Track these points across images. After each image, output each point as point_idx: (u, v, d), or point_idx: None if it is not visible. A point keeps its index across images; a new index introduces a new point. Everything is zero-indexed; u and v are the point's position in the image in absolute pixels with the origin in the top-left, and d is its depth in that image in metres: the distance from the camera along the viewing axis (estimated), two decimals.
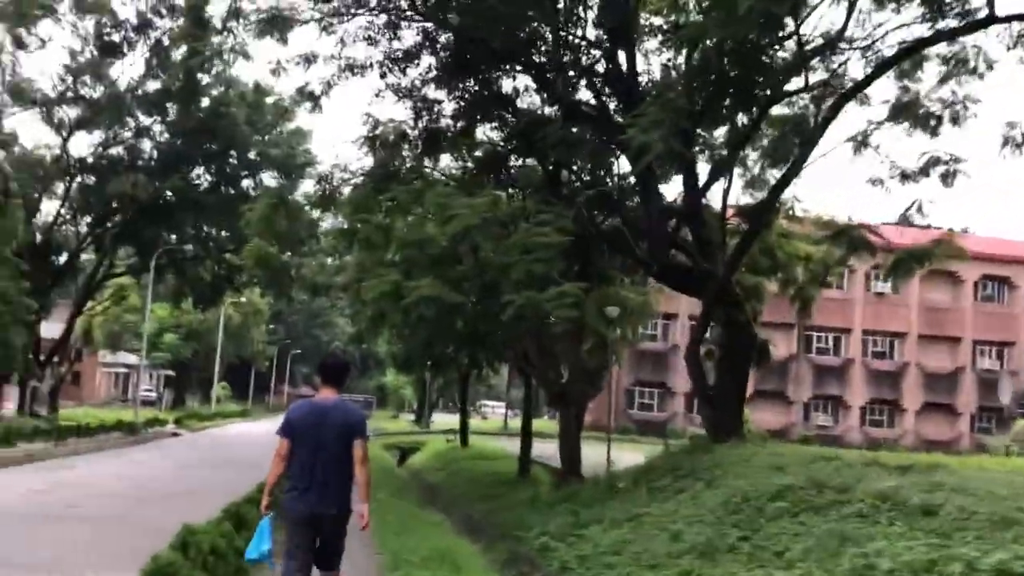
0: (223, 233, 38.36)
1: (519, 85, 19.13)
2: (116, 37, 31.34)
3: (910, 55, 14.33)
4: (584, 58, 17.97)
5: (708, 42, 14.23)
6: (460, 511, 18.21)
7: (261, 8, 16.06)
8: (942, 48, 14.63)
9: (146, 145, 35.60)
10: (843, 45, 14.80)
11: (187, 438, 36.11)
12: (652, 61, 18.05)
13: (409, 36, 18.38)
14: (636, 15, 16.44)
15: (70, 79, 31.79)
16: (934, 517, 8.15)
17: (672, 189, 21.92)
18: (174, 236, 37.83)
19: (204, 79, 33.48)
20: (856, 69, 15.85)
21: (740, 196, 19.24)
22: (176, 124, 34.41)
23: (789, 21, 13.58)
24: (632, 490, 13.55)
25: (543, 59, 17.85)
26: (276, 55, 21.72)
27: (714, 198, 18.05)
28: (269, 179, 36.39)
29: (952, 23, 13.33)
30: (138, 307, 47.36)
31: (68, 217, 35.89)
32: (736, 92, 14.93)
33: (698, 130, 16.16)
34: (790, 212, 19.06)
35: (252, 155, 36.45)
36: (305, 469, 5.84)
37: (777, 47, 14.78)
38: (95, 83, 32.15)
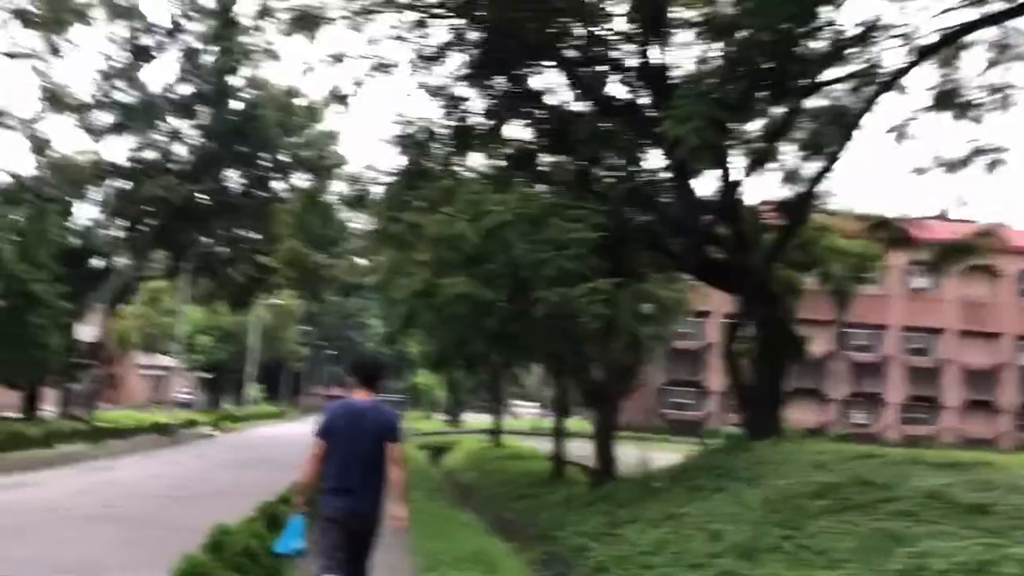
0: (255, 235, 38.58)
1: (549, 81, 18.97)
2: (148, 41, 31.59)
3: (953, 41, 13.96)
4: (615, 52, 17.74)
5: (741, 33, 14.02)
6: (494, 511, 18.07)
7: (290, 6, 16.01)
8: (987, 33, 14.24)
9: (179, 148, 35.84)
10: (881, 33, 14.47)
11: (222, 439, 36.37)
12: (684, 55, 17.81)
13: (438, 33, 18.28)
14: (668, 8, 16.20)
15: (104, 84, 32.08)
16: (986, 516, 7.88)
17: (706, 184, 21.64)
18: (207, 239, 38.12)
19: (235, 82, 33.70)
20: (895, 58, 15.50)
21: (776, 190, 18.94)
22: (208, 127, 34.65)
23: (825, 10, 13.30)
24: (669, 489, 13.34)
25: (574, 54, 17.65)
26: (305, 56, 21.76)
27: (749, 193, 17.80)
28: (300, 181, 36.55)
29: (999, 6, 12.94)
30: (173, 309, 47.82)
31: (104, 221, 36.25)
32: (771, 84, 14.66)
33: (732, 124, 15.89)
34: (827, 206, 18.72)
35: (283, 157, 36.60)
36: (341, 470, 5.81)
37: (812, 37, 14.49)
38: (128, 88, 32.41)
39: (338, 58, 17.75)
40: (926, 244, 17.53)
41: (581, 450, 24.34)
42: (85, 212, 35.52)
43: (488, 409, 46.51)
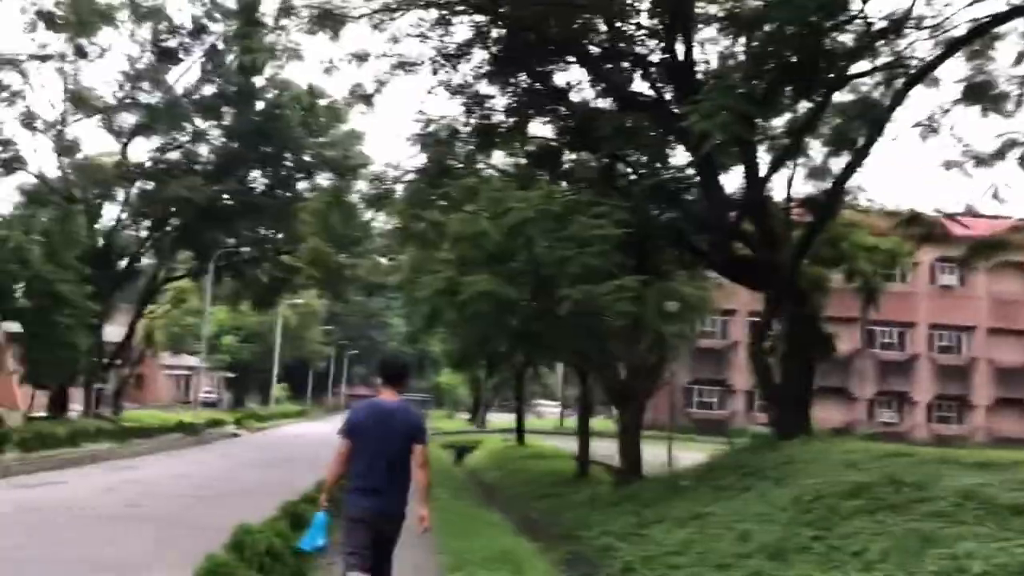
0: (279, 235, 38.74)
1: (572, 78, 18.86)
2: (172, 43, 31.77)
3: (984, 33, 13.69)
4: (639, 48, 17.59)
5: (767, 28, 13.83)
6: (518, 510, 17.98)
7: (312, 3, 16.00)
8: (1019, 24, 13.95)
9: (203, 149, 36.03)
10: (911, 25, 14.23)
11: (246, 438, 36.54)
12: (709, 50, 17.63)
13: (460, 31, 18.22)
14: (692, 3, 16.03)
15: (129, 86, 32.31)
16: None
17: (731, 181, 21.45)
18: (231, 239, 38.31)
19: (258, 82, 33.82)
20: (924, 50, 15.24)
21: (803, 186, 18.71)
22: (232, 128, 34.81)
23: (853, 2, 13.10)
24: (696, 489, 13.19)
25: (597, 50, 17.51)
26: (328, 55, 21.79)
27: (775, 189, 17.59)
28: (324, 181, 36.66)
29: None
30: (198, 310, 48.10)
31: (128, 221, 36.51)
32: (798, 78, 14.46)
33: (758, 119, 15.70)
34: (855, 202, 18.47)
35: (307, 157, 36.69)
36: (366, 470, 5.77)
37: (840, 30, 14.27)
38: (153, 89, 32.62)
39: (361, 57, 17.74)
40: (957, 240, 17.22)
41: (605, 449, 24.20)
42: (110, 213, 35.80)
43: (511, 408, 46.45)
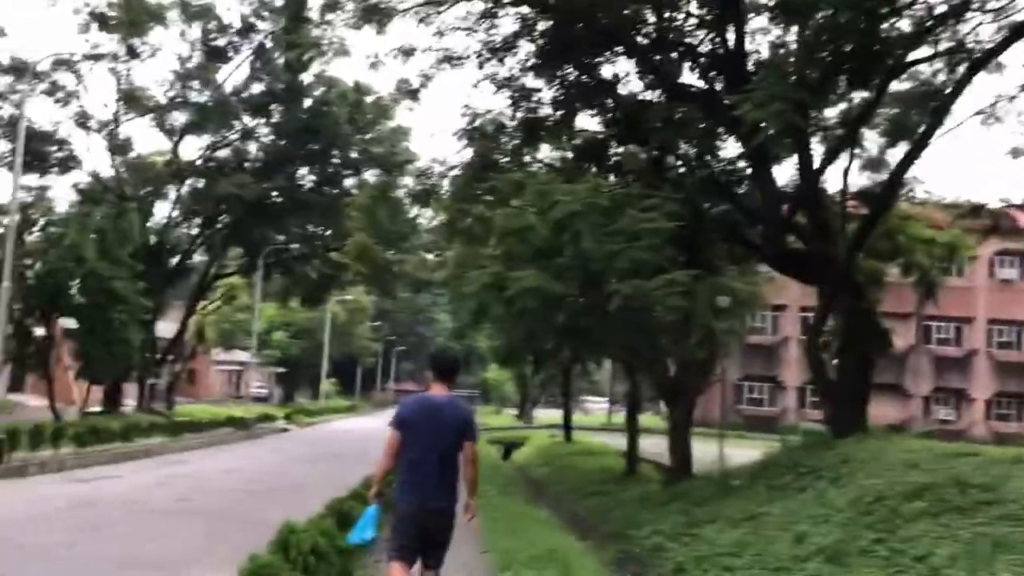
0: (327, 232, 39.02)
1: (619, 70, 18.56)
2: (221, 42, 32.12)
3: None
4: (688, 38, 17.25)
5: (821, 15, 13.43)
6: (567, 508, 17.79)
7: None
8: None
9: (252, 147, 36.47)
10: (972, 9, 13.71)
11: (296, 433, 36.88)
12: (759, 40, 17.23)
13: (507, 24, 18.04)
14: None
15: (179, 85, 32.74)
16: None
17: (783, 173, 21.01)
18: (281, 236, 38.69)
19: (306, 79, 34.05)
20: (988, 35, 14.65)
21: (857, 178, 18.25)
22: (280, 125, 35.11)
23: None
24: (749, 488, 12.87)
25: (646, 41, 17.21)
26: (374, 51, 21.78)
27: (828, 181, 17.14)
28: (371, 178, 36.83)
29: None
30: (248, 306, 48.71)
31: (180, 219, 37.05)
32: (853, 67, 14.02)
33: (812, 108, 15.29)
34: (911, 193, 17.94)
35: (354, 154, 36.90)
36: (415, 463, 5.77)
37: (898, 15, 13.81)
38: (203, 88, 33.01)
39: (407, 52, 17.66)
40: (1021, 233, 16.61)
41: (653, 446, 23.89)
42: (162, 211, 36.37)
43: (558, 404, 46.23)
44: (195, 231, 37.76)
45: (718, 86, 17.04)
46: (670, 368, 18.50)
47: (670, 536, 11.48)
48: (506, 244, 15.73)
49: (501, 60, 18.47)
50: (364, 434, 34.73)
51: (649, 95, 18.14)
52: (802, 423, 36.13)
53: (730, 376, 43.24)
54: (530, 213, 15.03)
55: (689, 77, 17.74)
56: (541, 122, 18.98)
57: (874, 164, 18.44)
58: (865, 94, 15.44)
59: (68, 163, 32.33)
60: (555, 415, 46.65)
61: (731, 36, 16.01)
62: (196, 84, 32.91)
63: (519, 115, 19.07)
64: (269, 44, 32.12)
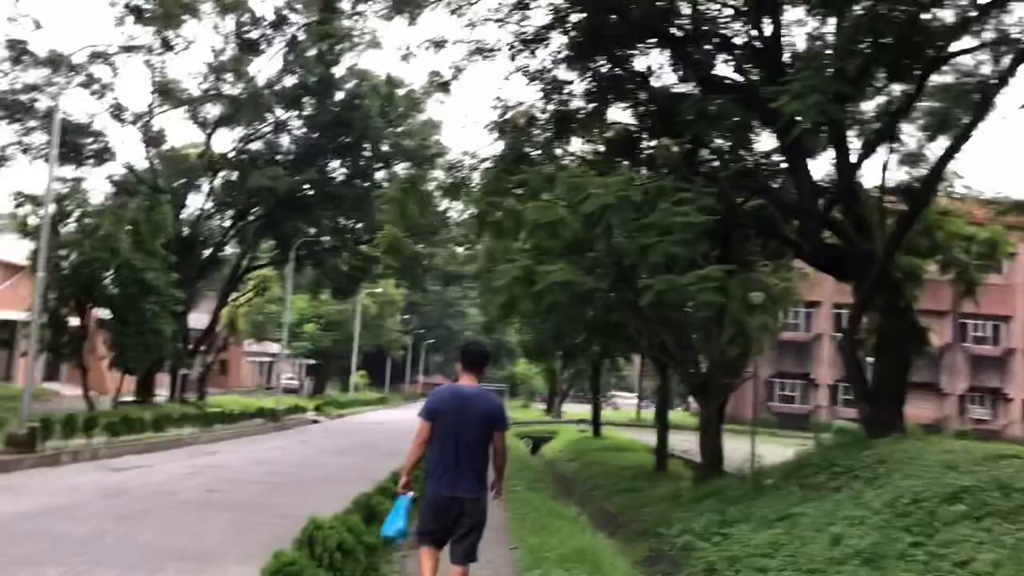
0: (358, 225, 39.11)
1: (652, 62, 18.32)
2: (254, 34, 32.23)
3: None
4: (723, 30, 16.97)
5: (859, 7, 13.12)
6: (596, 504, 17.67)
7: None
8: None
9: (284, 139, 36.67)
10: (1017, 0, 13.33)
11: (326, 425, 37.04)
12: (796, 32, 16.90)
13: (539, 15, 17.85)
14: None
15: (212, 77, 32.92)
16: None
17: (819, 167, 20.66)
18: (312, 228, 38.85)
19: (338, 72, 34.10)
20: None
21: (896, 172, 17.85)
22: (312, 118, 35.22)
23: None
24: (782, 487, 12.66)
25: (680, 32, 16.96)
26: (405, 43, 21.71)
27: (865, 176, 16.81)
28: (402, 170, 36.82)
29: None
30: (279, 298, 48.98)
31: (212, 211, 37.33)
32: (892, 59, 13.69)
33: (850, 101, 14.96)
34: (950, 188, 17.54)
35: (385, 147, 36.95)
36: (445, 453, 5.82)
37: (939, 5, 13.46)
38: (236, 80, 33.17)
39: (438, 43, 17.53)
40: None
41: (683, 443, 23.68)
42: (195, 202, 36.68)
43: (587, 399, 46.04)
44: (227, 223, 38.04)
45: (753, 78, 16.76)
46: (701, 365, 18.30)
47: (701, 535, 11.33)
48: (536, 238, 15.59)
49: (533, 52, 18.28)
50: (393, 426, 34.83)
51: (682, 87, 17.90)
52: (835, 421, 35.68)
53: (762, 373, 42.84)
54: (561, 206, 14.87)
55: (723, 69, 17.50)
56: (573, 115, 18.77)
57: (913, 159, 18.03)
58: (905, 87, 15.08)
59: (103, 155, 32.65)
60: (584, 410, 46.50)
61: (767, 28, 15.73)
62: (229, 77, 33.06)
63: (551, 108, 18.87)
64: (302, 36, 32.18)
